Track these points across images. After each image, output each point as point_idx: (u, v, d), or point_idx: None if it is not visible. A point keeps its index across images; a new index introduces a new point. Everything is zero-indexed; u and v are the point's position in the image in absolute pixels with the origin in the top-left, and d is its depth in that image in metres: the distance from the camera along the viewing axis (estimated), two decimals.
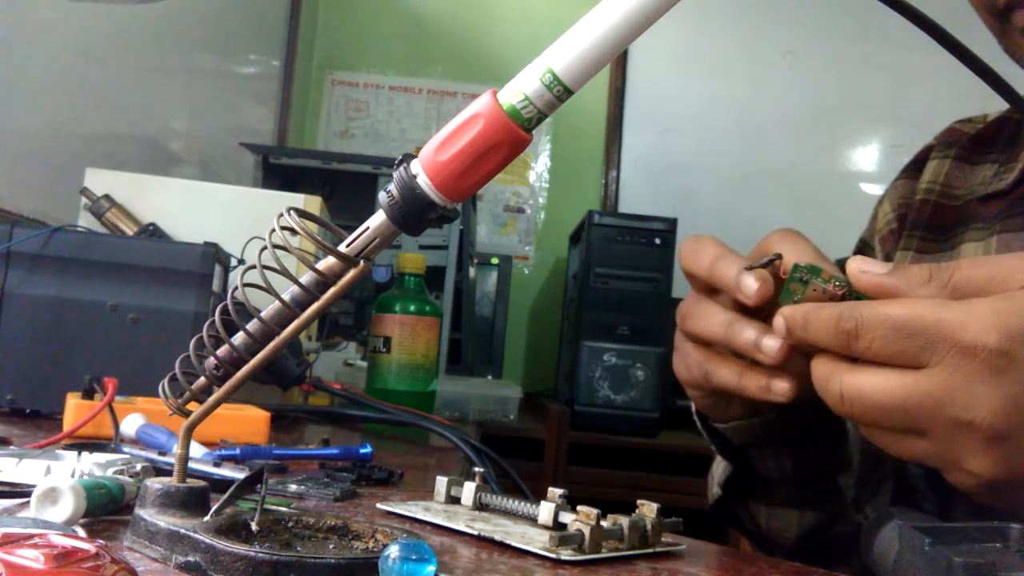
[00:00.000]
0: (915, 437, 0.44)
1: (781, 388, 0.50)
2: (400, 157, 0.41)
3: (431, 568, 0.36)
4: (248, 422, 0.78)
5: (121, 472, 0.51)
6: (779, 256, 0.50)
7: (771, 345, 0.49)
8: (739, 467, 0.67)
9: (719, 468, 0.71)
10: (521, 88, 0.40)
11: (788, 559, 0.70)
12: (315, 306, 0.42)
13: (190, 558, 0.38)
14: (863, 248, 0.81)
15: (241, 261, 1.04)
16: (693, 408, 0.64)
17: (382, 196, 0.41)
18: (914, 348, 0.42)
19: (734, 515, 0.72)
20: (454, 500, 0.56)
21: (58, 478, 0.44)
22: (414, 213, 0.41)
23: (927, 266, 0.46)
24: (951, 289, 0.44)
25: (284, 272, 0.41)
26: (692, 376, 0.56)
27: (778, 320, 0.48)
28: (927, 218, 0.74)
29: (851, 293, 0.47)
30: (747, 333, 0.50)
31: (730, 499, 0.71)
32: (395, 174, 0.41)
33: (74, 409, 0.73)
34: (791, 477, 0.65)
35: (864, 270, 0.46)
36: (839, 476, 0.67)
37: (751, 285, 0.49)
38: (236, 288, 0.42)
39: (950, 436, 0.42)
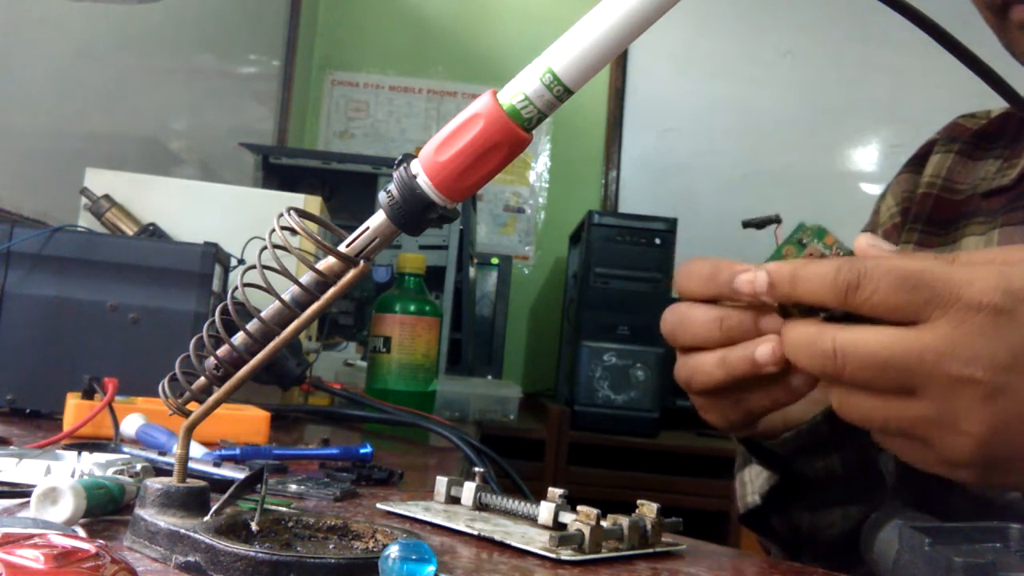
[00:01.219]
0: (907, 399, 0.43)
1: (798, 381, 0.48)
2: (400, 157, 0.41)
3: (431, 568, 0.36)
4: (248, 422, 0.78)
5: (121, 472, 0.51)
6: (779, 219, 0.49)
7: (763, 351, 0.47)
8: (783, 476, 0.66)
9: (758, 478, 0.69)
10: (521, 88, 0.40)
11: (824, 558, 0.69)
12: (315, 306, 0.42)
13: (190, 558, 0.38)
14: None
15: (241, 261, 1.04)
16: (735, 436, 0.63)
17: (382, 196, 0.41)
18: (918, 301, 0.41)
19: (768, 524, 0.71)
20: (454, 500, 0.56)
21: (58, 478, 0.44)
22: (414, 213, 0.41)
23: (930, 253, 0.46)
24: None
25: (284, 272, 0.41)
26: (733, 421, 0.55)
27: (760, 275, 0.46)
28: (928, 211, 0.74)
29: None
30: (738, 353, 0.48)
31: (768, 508, 0.70)
32: (395, 174, 0.41)
33: (74, 409, 0.73)
34: (840, 474, 0.64)
35: (873, 244, 0.46)
36: (881, 460, 0.67)
37: (762, 278, 0.47)
38: (236, 288, 0.42)
39: (947, 394, 0.41)
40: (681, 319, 0.51)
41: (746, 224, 0.50)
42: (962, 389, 0.41)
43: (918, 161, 0.79)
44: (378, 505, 0.56)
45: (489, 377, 2.43)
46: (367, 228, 0.42)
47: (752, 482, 0.70)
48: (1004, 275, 0.41)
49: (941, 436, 0.43)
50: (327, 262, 0.42)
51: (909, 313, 0.42)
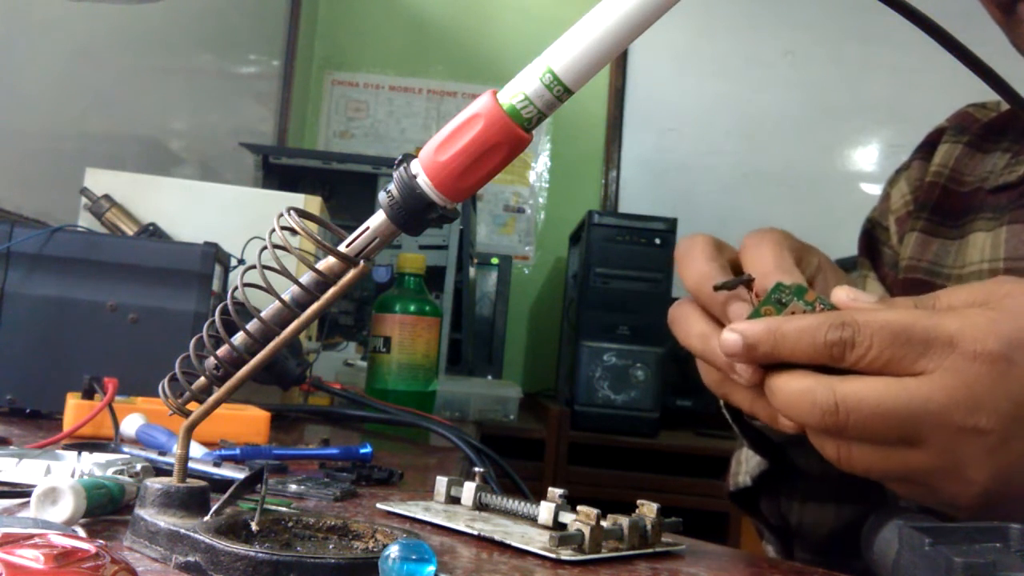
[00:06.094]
0: (910, 449, 0.42)
1: (785, 421, 0.47)
2: (400, 157, 0.41)
3: (431, 568, 0.36)
4: (248, 422, 0.78)
5: (121, 472, 0.51)
6: (751, 279, 0.48)
7: (743, 369, 0.46)
8: (775, 462, 0.65)
9: (752, 459, 0.68)
10: (521, 88, 0.40)
11: (811, 554, 0.69)
12: (315, 306, 0.42)
13: (190, 558, 0.38)
14: (873, 228, 0.80)
15: (241, 261, 1.04)
16: (722, 402, 0.61)
17: (382, 196, 0.41)
18: (913, 354, 0.41)
19: (757, 507, 0.71)
20: (454, 500, 0.56)
21: (58, 478, 0.44)
22: (414, 213, 0.41)
23: (911, 298, 0.46)
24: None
25: (284, 272, 0.41)
26: (717, 392, 0.54)
27: (731, 337, 0.44)
28: (934, 200, 0.74)
29: None
30: (769, 411, 0.47)
31: (758, 492, 0.69)
32: (395, 174, 0.41)
33: (74, 409, 0.73)
34: (834, 470, 0.63)
35: (854, 298, 0.45)
36: None
37: (734, 341, 0.46)
38: (236, 288, 0.42)
39: (952, 444, 0.41)
40: (688, 251, 0.51)
41: (717, 288, 0.49)
42: (967, 439, 0.41)
43: (927, 148, 0.79)
44: (378, 505, 0.56)
45: (489, 377, 2.43)
46: (367, 228, 0.42)
47: (747, 462, 0.69)
48: (994, 321, 0.41)
49: (944, 483, 0.43)
50: (327, 262, 0.42)
51: (904, 366, 0.41)
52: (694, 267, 0.51)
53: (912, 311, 0.43)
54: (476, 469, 0.58)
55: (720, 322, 0.49)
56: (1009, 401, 0.40)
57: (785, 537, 0.71)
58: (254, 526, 0.42)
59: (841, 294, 0.46)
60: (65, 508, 0.42)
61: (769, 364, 0.45)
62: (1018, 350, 0.40)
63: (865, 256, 0.80)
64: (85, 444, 0.63)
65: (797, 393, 0.43)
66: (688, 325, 0.50)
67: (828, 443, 0.44)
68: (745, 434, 0.63)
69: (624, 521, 0.49)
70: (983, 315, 0.41)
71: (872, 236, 0.80)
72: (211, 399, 0.42)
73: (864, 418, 0.42)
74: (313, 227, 0.42)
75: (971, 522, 0.42)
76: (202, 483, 0.43)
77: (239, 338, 0.42)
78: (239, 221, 1.05)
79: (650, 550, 0.49)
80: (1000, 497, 0.42)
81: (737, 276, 0.50)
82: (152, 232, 1.12)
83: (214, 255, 0.92)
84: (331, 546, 0.43)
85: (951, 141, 0.77)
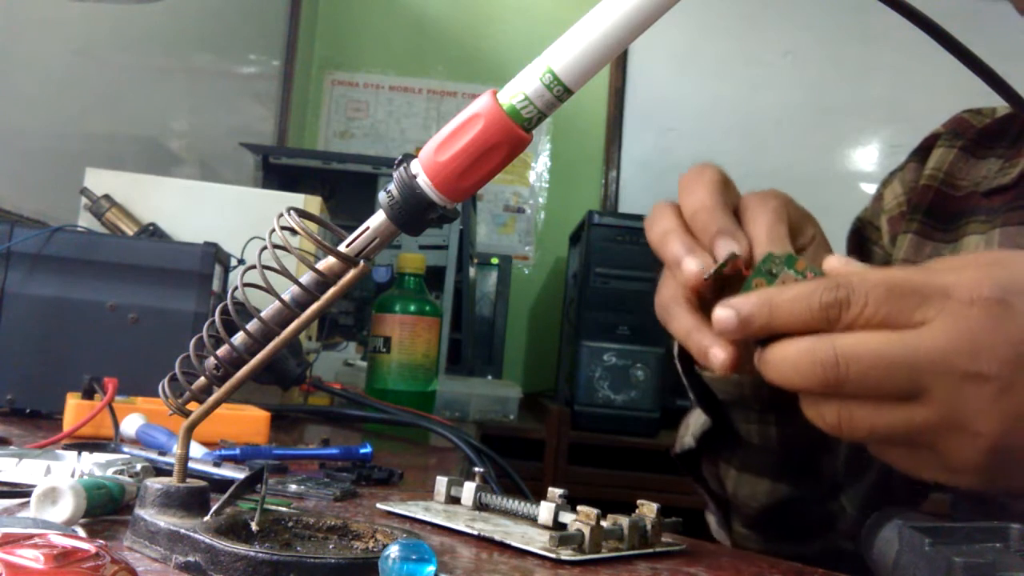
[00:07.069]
0: (913, 404, 0.41)
1: (716, 357, 0.46)
2: (400, 157, 0.41)
3: (431, 568, 0.36)
4: (248, 422, 0.78)
5: (121, 472, 0.51)
6: (735, 256, 0.48)
7: (719, 355, 0.46)
8: (718, 423, 0.65)
9: (698, 419, 0.68)
10: (521, 88, 0.40)
11: (746, 527, 0.70)
12: (315, 306, 0.42)
13: (190, 558, 0.38)
14: (863, 228, 0.80)
15: (241, 261, 1.04)
16: (676, 349, 0.60)
17: (382, 196, 0.41)
18: (909, 307, 0.41)
19: (699, 470, 0.71)
20: (454, 500, 0.56)
21: (58, 478, 0.44)
22: (414, 213, 0.41)
23: (903, 267, 0.46)
24: None
25: (284, 272, 0.41)
26: (660, 317, 0.53)
27: (725, 314, 0.44)
28: (927, 204, 0.74)
29: None
30: (704, 342, 0.47)
31: (700, 453, 0.69)
32: (395, 174, 0.41)
33: (74, 409, 0.73)
34: (773, 446, 0.64)
35: (845, 263, 0.45)
36: (822, 456, 0.66)
37: (692, 272, 0.47)
38: (236, 288, 0.42)
39: (956, 393, 0.40)
40: (658, 210, 0.52)
41: (706, 278, 0.49)
42: (970, 387, 0.40)
43: (922, 153, 0.79)
44: (378, 505, 0.56)
45: (489, 377, 2.43)
46: (367, 228, 0.42)
47: (694, 424, 0.70)
48: (987, 270, 0.41)
49: (949, 440, 0.42)
50: (327, 262, 0.42)
51: (902, 320, 0.41)
52: (697, 195, 0.51)
53: (905, 269, 0.43)
54: (476, 469, 0.58)
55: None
56: (1009, 346, 0.40)
57: (725, 507, 0.71)
58: (254, 526, 0.42)
59: (833, 261, 0.46)
60: (65, 508, 0.42)
61: (764, 339, 0.45)
62: (1014, 295, 0.40)
63: (855, 255, 0.80)
64: (85, 444, 0.63)
65: (797, 354, 0.43)
66: (675, 318, 0.50)
67: (828, 407, 0.43)
68: (692, 386, 0.63)
69: (624, 521, 0.49)
70: (976, 267, 0.42)
71: (862, 235, 0.80)
72: (211, 399, 0.42)
73: (865, 369, 0.41)
74: (313, 227, 0.42)
75: (970, 522, 0.42)
76: (202, 483, 0.43)
77: (239, 338, 0.42)
78: (239, 221, 1.05)
79: (650, 550, 0.49)
80: (1007, 453, 0.41)
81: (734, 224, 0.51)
82: (152, 232, 1.12)
83: (214, 255, 0.92)
84: (331, 546, 0.43)
85: (946, 146, 0.77)
